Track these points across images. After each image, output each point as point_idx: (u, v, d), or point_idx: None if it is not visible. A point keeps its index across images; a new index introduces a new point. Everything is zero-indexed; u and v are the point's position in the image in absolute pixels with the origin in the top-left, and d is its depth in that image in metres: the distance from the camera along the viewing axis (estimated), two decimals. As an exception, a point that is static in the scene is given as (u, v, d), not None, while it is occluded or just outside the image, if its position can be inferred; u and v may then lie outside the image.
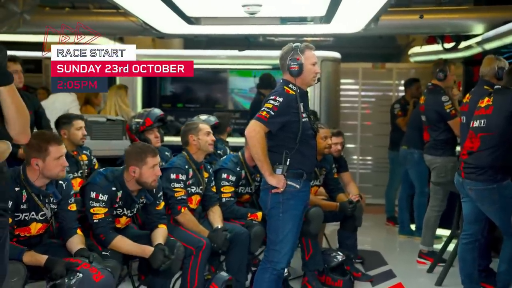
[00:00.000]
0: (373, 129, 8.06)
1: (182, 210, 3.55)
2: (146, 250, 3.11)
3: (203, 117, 4.40)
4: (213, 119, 4.48)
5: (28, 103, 4.03)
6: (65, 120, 3.93)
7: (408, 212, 5.93)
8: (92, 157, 4.06)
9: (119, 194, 3.17)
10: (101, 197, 3.10)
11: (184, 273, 3.39)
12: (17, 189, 2.79)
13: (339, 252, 4.29)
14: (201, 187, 3.68)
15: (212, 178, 3.84)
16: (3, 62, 2.07)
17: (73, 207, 3.01)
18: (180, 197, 3.54)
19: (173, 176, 3.56)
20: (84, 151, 4.03)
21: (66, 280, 2.65)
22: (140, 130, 4.04)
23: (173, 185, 3.55)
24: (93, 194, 3.09)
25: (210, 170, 3.84)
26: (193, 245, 3.36)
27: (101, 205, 3.10)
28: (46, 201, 2.89)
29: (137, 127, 4.05)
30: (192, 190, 3.67)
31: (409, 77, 7.21)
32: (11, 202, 2.72)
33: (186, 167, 3.62)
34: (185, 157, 3.68)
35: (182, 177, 3.57)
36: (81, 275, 2.66)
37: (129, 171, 3.15)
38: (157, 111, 4.17)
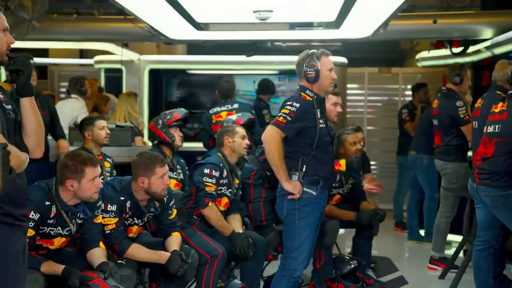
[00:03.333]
0: (379, 134, 8.04)
1: (210, 204, 3.52)
2: (163, 256, 3.09)
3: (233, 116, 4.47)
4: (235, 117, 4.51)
5: (43, 102, 4.13)
6: (87, 122, 4.04)
7: (417, 217, 5.90)
8: (113, 169, 4.09)
9: (128, 204, 3.14)
10: (110, 208, 3.07)
11: (199, 281, 3.36)
12: (47, 203, 2.75)
13: (351, 259, 4.27)
14: (230, 190, 3.66)
15: (240, 186, 3.84)
16: (30, 74, 2.07)
17: (98, 219, 2.98)
18: (210, 191, 3.52)
19: (206, 171, 3.54)
20: (108, 159, 4.09)
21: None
22: (167, 123, 4.10)
23: (205, 179, 3.53)
24: (102, 205, 3.05)
25: (239, 176, 3.85)
26: (209, 253, 3.33)
27: (111, 216, 3.07)
28: (74, 217, 2.87)
29: (165, 121, 4.10)
30: (223, 191, 3.64)
31: (415, 81, 7.21)
32: (39, 215, 2.70)
33: (221, 165, 3.61)
34: (220, 157, 3.67)
35: (215, 173, 3.55)
36: None
37: (138, 181, 3.12)
38: (184, 109, 4.31)
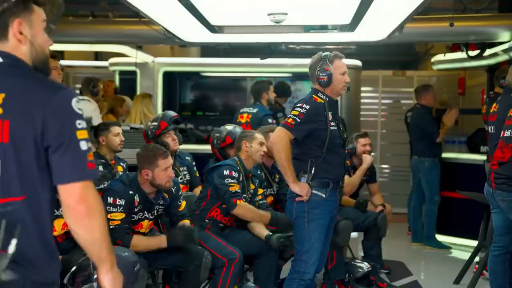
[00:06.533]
0: (393, 137, 7.99)
1: (238, 202, 3.50)
2: (162, 238, 3.17)
3: (229, 126, 4.36)
4: (239, 130, 4.42)
5: None
6: (103, 127, 4.02)
7: (421, 220, 5.91)
8: (127, 173, 4.08)
9: (137, 198, 3.17)
10: (119, 202, 3.09)
11: (214, 284, 3.36)
12: None
13: (364, 263, 4.25)
14: (244, 195, 3.64)
15: (258, 192, 3.82)
16: None
17: None
18: (234, 191, 3.51)
19: (226, 172, 3.53)
20: (121, 163, 4.08)
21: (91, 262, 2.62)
22: (156, 134, 4.01)
23: (227, 180, 3.52)
24: (110, 199, 3.08)
25: (257, 183, 3.83)
26: (226, 257, 3.33)
27: (118, 210, 3.08)
28: None
29: (153, 132, 4.02)
30: None
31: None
32: None
33: (238, 168, 3.61)
34: (236, 161, 3.67)
35: (235, 174, 3.54)
36: None
37: (142, 174, 3.16)
38: (171, 113, 4.15)
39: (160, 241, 3.17)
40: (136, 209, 3.18)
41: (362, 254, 4.94)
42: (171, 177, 3.21)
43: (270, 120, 5.04)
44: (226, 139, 4.15)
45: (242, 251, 3.42)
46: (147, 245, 3.15)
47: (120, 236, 3.07)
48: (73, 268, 2.63)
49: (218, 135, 4.20)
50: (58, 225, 2.88)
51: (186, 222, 3.33)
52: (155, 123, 4.06)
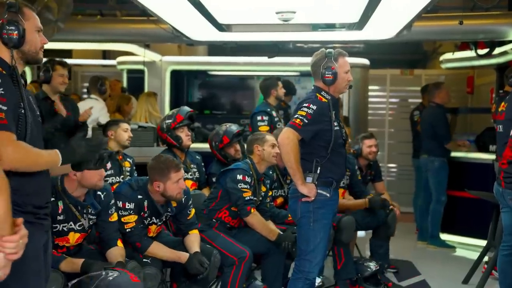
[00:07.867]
0: (401, 136, 7.97)
1: (252, 210, 3.51)
2: (182, 257, 3.13)
3: (224, 126, 4.34)
4: (235, 128, 4.42)
5: (66, 105, 4.24)
6: (112, 123, 4.14)
7: (428, 219, 5.88)
8: (134, 168, 4.12)
9: (146, 203, 3.16)
10: (128, 205, 3.10)
11: (224, 282, 3.36)
12: (52, 199, 2.73)
13: (373, 262, 4.24)
14: (255, 199, 3.63)
15: (268, 194, 3.82)
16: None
17: (113, 218, 3.01)
18: (248, 197, 3.51)
19: (239, 177, 3.53)
20: (128, 159, 4.10)
21: (104, 272, 2.66)
22: (171, 127, 4.04)
23: (240, 185, 3.52)
24: (120, 204, 3.09)
25: (268, 185, 3.83)
26: (236, 255, 3.33)
27: (130, 213, 3.09)
28: (84, 211, 2.89)
29: (169, 125, 4.06)
30: None
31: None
32: None
33: (250, 172, 3.60)
34: (249, 164, 3.66)
35: (248, 179, 3.54)
36: (117, 273, 2.69)
37: (154, 186, 3.14)
38: (187, 108, 4.21)
39: (178, 258, 3.15)
40: (145, 214, 3.18)
41: (369, 253, 4.93)
42: (182, 189, 3.19)
43: (259, 118, 4.96)
44: (223, 139, 4.16)
45: (253, 250, 3.41)
46: (165, 256, 3.15)
47: (138, 238, 3.08)
48: (82, 277, 2.68)
49: (215, 136, 4.22)
50: (72, 238, 2.90)
51: (195, 234, 3.30)
52: (171, 118, 4.11)
